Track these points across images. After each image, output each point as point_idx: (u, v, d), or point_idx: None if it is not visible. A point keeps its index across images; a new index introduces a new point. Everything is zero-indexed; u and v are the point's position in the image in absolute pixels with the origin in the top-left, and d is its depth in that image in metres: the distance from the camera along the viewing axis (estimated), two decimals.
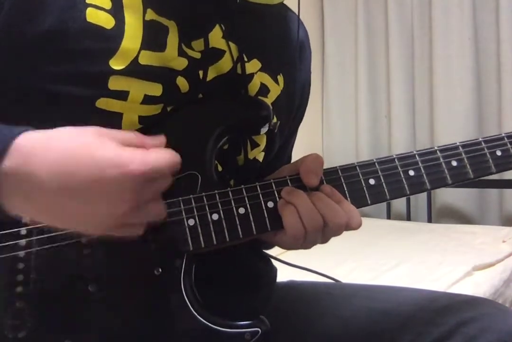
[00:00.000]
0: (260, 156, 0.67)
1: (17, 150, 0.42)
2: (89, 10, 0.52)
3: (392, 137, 2.80)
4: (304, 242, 0.57)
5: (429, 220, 2.63)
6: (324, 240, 0.59)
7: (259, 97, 0.64)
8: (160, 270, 0.52)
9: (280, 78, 0.68)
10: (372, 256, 1.73)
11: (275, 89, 0.67)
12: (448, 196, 2.64)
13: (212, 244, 0.53)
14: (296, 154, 2.76)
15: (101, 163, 0.42)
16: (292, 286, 0.79)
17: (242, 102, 0.60)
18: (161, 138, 0.49)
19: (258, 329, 0.52)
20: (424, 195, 2.64)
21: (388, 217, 2.70)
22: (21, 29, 0.51)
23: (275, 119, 0.64)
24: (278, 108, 0.66)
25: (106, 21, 0.53)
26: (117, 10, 0.54)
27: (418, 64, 2.76)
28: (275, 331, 0.70)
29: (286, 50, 0.70)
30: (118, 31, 0.53)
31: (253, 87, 0.63)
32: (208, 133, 0.56)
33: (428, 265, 1.61)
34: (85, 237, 0.50)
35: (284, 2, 0.68)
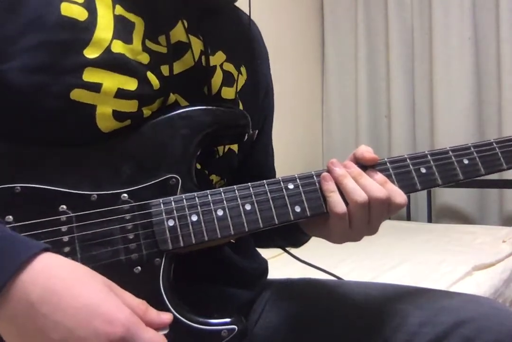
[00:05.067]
0: (235, 147, 0.70)
1: (33, 269, 0.43)
2: (63, 5, 0.55)
3: (392, 137, 2.81)
4: (350, 226, 0.59)
5: (429, 220, 2.64)
6: (371, 227, 0.60)
7: (224, 87, 0.67)
8: (140, 268, 0.53)
9: (243, 69, 0.72)
10: (372, 256, 1.73)
11: (240, 79, 0.71)
12: (448, 196, 2.64)
13: (191, 243, 0.54)
14: (296, 154, 2.75)
15: (93, 312, 0.42)
16: (289, 283, 0.79)
17: (222, 111, 0.62)
18: (167, 318, 0.48)
19: (235, 327, 0.53)
20: (424, 195, 2.64)
21: (388, 217, 2.70)
22: (1, 25, 0.53)
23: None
24: (244, 95, 0.71)
25: (80, 13, 0.56)
26: (89, 3, 0.57)
27: (418, 64, 2.76)
28: (272, 327, 0.70)
29: (244, 44, 0.75)
30: (91, 22, 0.56)
31: (216, 79, 0.67)
32: (189, 140, 0.58)
33: (428, 265, 1.61)
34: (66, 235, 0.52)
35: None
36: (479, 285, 1.41)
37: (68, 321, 0.41)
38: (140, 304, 0.47)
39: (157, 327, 0.46)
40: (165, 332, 0.47)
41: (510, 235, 2.00)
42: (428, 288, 0.72)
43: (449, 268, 1.55)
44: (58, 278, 0.43)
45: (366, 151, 0.62)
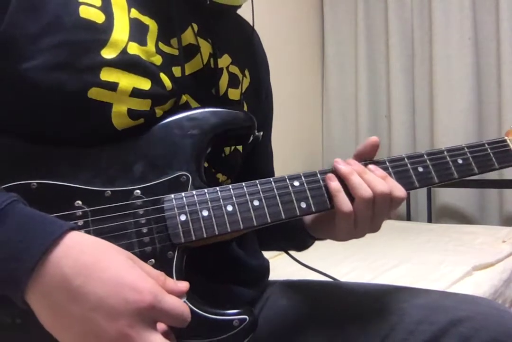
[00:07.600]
0: (240, 147, 0.72)
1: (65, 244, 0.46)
2: (81, 8, 0.57)
3: (392, 137, 2.81)
4: (355, 223, 0.61)
5: (429, 220, 2.64)
6: (374, 223, 0.63)
7: (230, 88, 0.70)
8: (153, 260, 0.55)
9: (247, 72, 0.76)
10: (372, 256, 1.73)
11: (245, 81, 0.75)
12: (448, 196, 2.64)
13: (202, 237, 0.56)
14: (296, 154, 2.75)
15: (122, 283, 0.44)
16: (289, 284, 0.80)
17: (229, 113, 0.64)
18: (184, 285, 0.51)
19: (246, 317, 0.54)
20: (424, 195, 2.64)
21: (388, 217, 2.70)
22: (22, 25, 0.55)
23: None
24: (248, 97, 0.74)
25: (97, 16, 0.58)
26: (106, 6, 0.59)
27: (418, 64, 2.77)
28: (271, 327, 0.71)
29: (247, 49, 0.78)
30: (109, 24, 0.58)
31: (223, 81, 0.70)
32: (198, 140, 0.61)
33: (428, 265, 1.61)
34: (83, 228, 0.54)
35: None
36: (479, 285, 1.42)
37: (99, 291, 0.44)
38: (159, 275, 0.49)
39: (176, 295, 0.48)
40: (184, 299, 0.51)
41: (510, 235, 2.00)
42: (425, 289, 0.73)
43: (449, 268, 1.55)
44: (87, 253, 0.46)
45: (373, 138, 0.65)
